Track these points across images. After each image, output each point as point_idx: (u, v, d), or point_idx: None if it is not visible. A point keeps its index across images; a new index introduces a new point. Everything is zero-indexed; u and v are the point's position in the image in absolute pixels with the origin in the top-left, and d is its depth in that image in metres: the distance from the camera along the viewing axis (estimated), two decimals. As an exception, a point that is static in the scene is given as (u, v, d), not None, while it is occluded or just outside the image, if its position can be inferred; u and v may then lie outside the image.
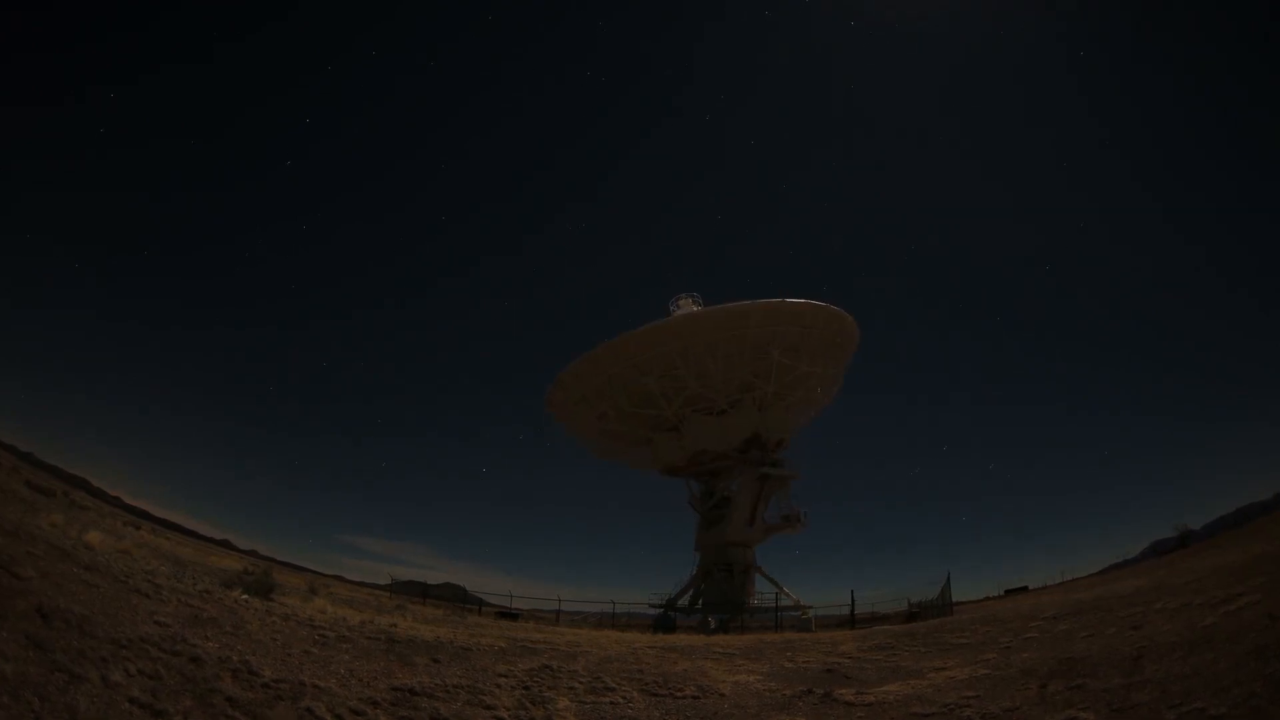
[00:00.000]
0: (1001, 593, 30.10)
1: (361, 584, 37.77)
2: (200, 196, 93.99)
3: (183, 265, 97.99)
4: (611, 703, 6.44)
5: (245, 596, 9.53)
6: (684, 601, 31.32)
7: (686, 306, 31.69)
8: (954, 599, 23.12)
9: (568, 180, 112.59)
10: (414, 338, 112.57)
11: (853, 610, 26.05)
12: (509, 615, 25.47)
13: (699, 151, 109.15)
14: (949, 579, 23.18)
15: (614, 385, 31.16)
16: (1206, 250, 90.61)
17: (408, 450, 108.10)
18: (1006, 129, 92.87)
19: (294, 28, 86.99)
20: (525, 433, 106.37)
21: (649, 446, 33.59)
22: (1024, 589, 29.59)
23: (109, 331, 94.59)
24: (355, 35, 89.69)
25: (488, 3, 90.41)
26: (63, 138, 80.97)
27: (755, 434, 31.09)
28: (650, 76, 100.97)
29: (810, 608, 29.11)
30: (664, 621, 28.28)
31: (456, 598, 33.85)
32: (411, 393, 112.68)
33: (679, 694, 7.03)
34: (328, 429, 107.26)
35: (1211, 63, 77.22)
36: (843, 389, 35.66)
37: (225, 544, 45.00)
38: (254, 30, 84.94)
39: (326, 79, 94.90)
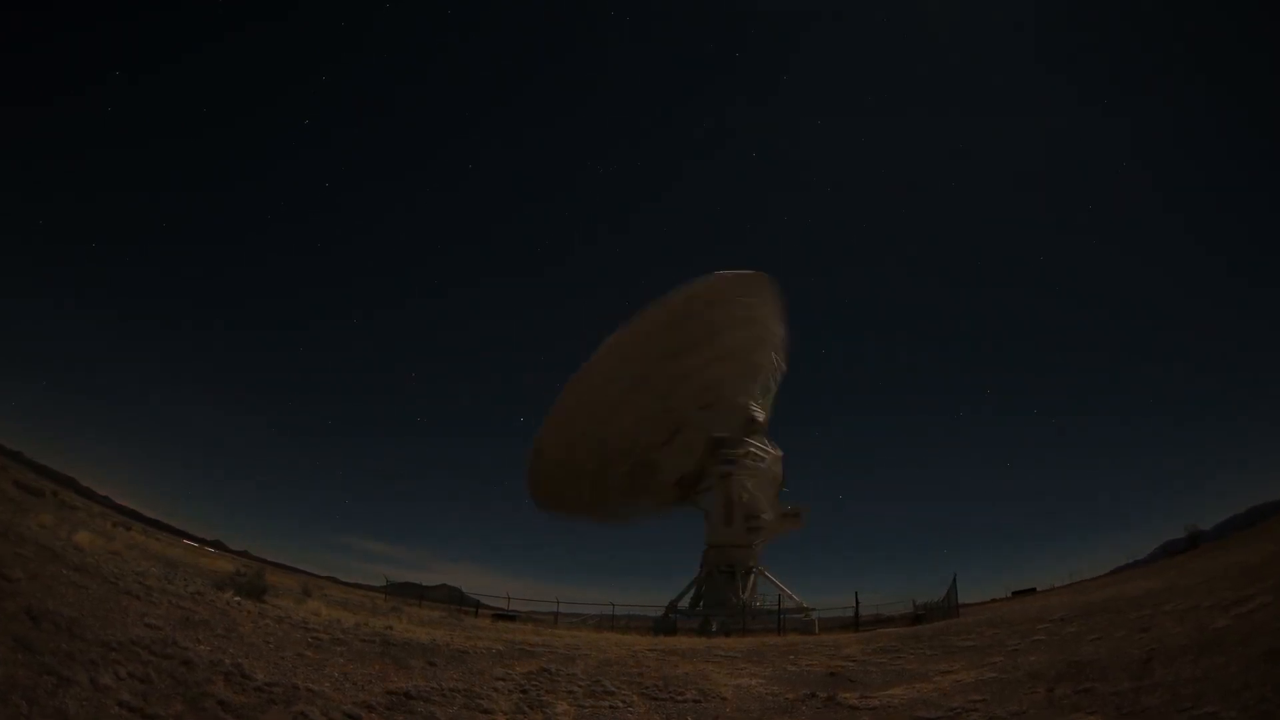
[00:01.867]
0: (1009, 594, 30.06)
1: (356, 585, 37.75)
2: (197, 196, 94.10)
3: (178, 264, 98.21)
4: (611, 706, 6.44)
5: (237, 598, 9.54)
6: (684, 603, 31.35)
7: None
8: (960, 600, 23.11)
9: (565, 180, 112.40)
10: (410, 336, 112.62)
11: (857, 612, 26.08)
12: (506, 617, 25.49)
13: (699, 148, 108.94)
14: (955, 580, 23.22)
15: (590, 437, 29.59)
16: (1220, 247, 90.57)
17: (403, 450, 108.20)
18: (1010, 125, 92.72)
19: (305, 28, 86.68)
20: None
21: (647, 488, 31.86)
22: (1031, 590, 29.56)
23: (101, 329, 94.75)
24: (361, 36, 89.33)
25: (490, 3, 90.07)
26: (60, 136, 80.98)
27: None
28: (650, 76, 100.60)
29: (813, 609, 29.15)
30: (664, 624, 28.32)
31: (453, 599, 33.87)
32: (407, 392, 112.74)
33: (680, 698, 7.04)
34: (321, 428, 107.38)
35: (1221, 61, 77.03)
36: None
37: (217, 545, 44.90)
38: (262, 27, 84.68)
39: (331, 79, 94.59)
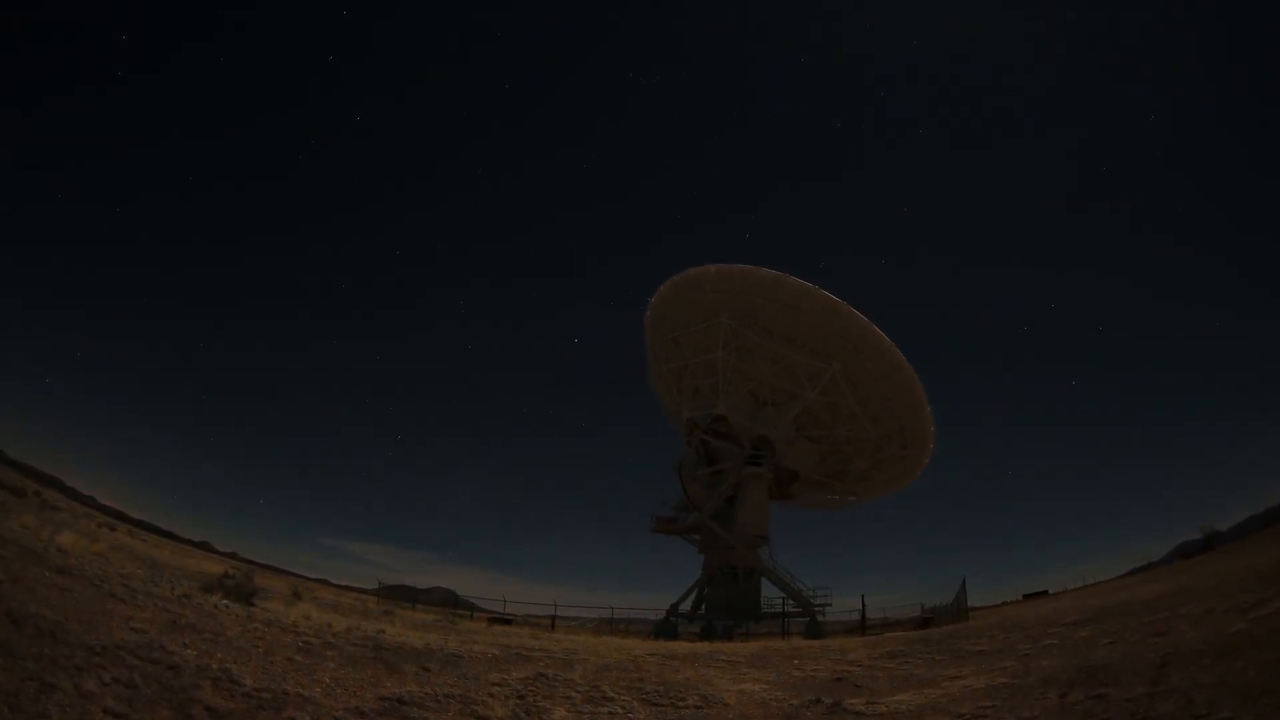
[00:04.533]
0: (1020, 597, 30.16)
1: (347, 588, 37.86)
2: (187, 195, 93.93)
3: (167, 261, 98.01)
4: (610, 713, 6.46)
5: (225, 601, 9.56)
6: (686, 606, 31.44)
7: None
8: (970, 604, 23.19)
9: (563, 180, 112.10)
10: (404, 336, 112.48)
11: (863, 616, 26.17)
12: (502, 621, 25.58)
13: (708, 147, 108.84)
14: (964, 583, 23.29)
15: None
16: (1232, 245, 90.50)
17: (396, 450, 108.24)
18: (1019, 125, 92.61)
19: (317, 26, 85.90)
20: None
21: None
22: (1043, 593, 29.62)
23: (87, 326, 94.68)
24: (370, 37, 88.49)
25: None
26: (52, 134, 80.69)
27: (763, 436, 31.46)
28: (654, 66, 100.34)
29: (824, 603, 29.40)
30: (666, 628, 28.39)
31: (447, 602, 34.00)
32: (400, 391, 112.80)
33: (681, 704, 7.06)
34: (313, 427, 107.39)
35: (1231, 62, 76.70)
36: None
37: (205, 546, 45.11)
38: (270, 27, 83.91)
39: (338, 79, 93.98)
